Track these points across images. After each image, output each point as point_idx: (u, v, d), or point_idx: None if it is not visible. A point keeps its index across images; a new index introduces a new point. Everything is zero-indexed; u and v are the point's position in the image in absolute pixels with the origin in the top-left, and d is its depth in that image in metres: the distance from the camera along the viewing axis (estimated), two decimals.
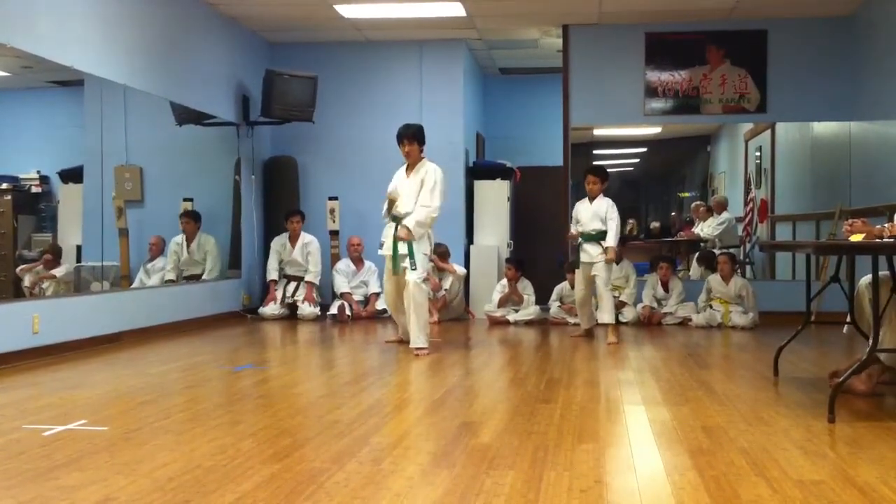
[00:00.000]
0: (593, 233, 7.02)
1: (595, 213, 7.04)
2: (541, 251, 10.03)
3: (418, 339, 6.19)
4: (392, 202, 6.31)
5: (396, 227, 6.31)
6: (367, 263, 9.09)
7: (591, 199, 7.12)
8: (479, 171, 9.86)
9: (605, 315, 6.95)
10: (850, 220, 4.44)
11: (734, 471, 3.07)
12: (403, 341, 6.61)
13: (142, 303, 7.30)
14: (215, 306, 8.46)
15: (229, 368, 5.67)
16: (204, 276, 8.42)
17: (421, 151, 6.47)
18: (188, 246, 8.32)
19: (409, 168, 6.46)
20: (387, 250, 6.43)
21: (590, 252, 7.04)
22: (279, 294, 8.95)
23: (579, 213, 7.21)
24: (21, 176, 6.48)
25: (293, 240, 9.09)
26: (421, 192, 6.29)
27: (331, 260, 9.34)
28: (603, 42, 9.05)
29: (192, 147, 8.46)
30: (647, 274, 8.70)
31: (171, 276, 8.07)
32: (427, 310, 6.46)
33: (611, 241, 6.92)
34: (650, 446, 3.48)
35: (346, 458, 3.23)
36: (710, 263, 8.81)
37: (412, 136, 6.39)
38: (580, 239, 7.13)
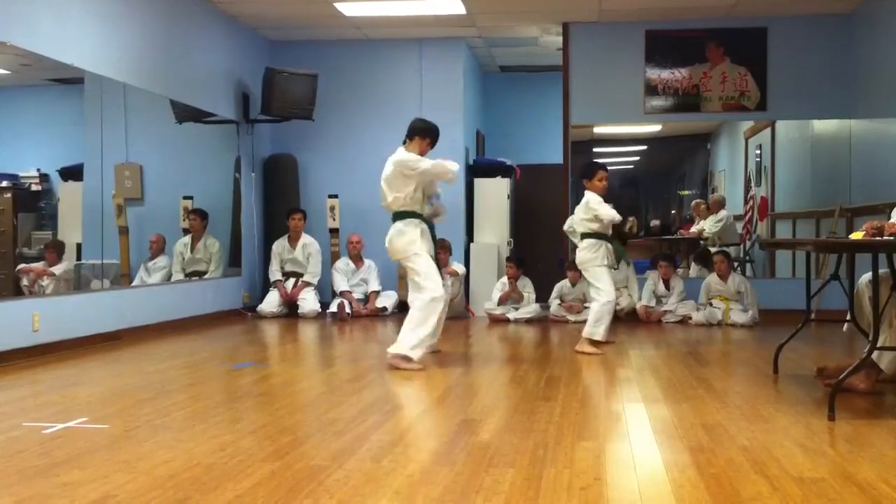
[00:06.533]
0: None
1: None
2: (541, 249, 10.04)
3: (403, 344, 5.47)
4: None
5: (431, 228, 5.77)
6: (367, 261, 9.10)
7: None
8: (479, 169, 9.86)
9: (588, 327, 6.22)
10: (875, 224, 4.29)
11: (734, 468, 3.07)
12: (436, 351, 5.99)
13: (142, 301, 7.30)
14: (215, 304, 8.46)
15: (229, 366, 5.67)
16: (205, 278, 8.42)
17: None
18: (193, 246, 8.33)
19: None
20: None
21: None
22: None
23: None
24: (21, 174, 6.47)
25: (294, 239, 9.09)
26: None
27: (331, 258, 9.35)
28: (603, 40, 9.05)
29: (192, 145, 8.47)
30: (648, 271, 8.71)
31: (178, 276, 8.08)
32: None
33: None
34: (650, 444, 3.48)
35: (346, 456, 3.23)
36: (706, 262, 8.82)
37: None
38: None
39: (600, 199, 6.24)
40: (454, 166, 5.72)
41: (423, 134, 5.76)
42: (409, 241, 5.58)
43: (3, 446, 3.44)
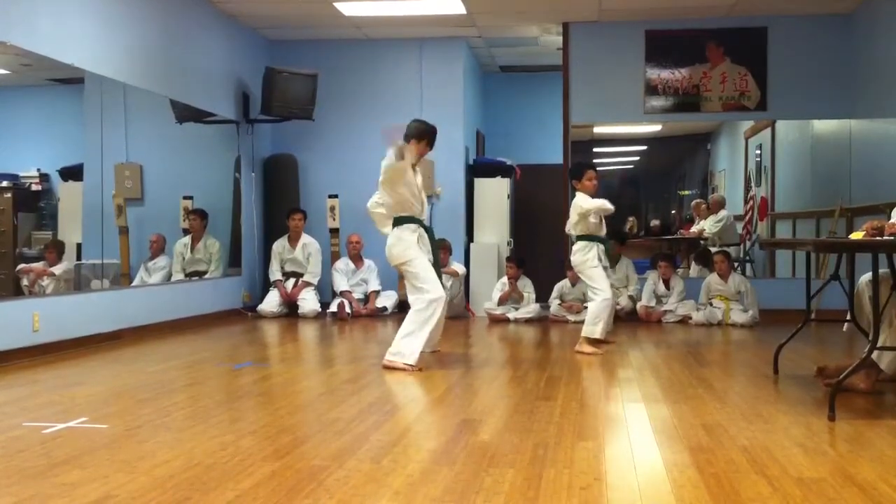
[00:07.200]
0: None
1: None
2: (541, 249, 10.04)
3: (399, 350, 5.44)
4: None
5: (429, 232, 5.74)
6: (367, 261, 9.10)
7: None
8: (479, 168, 9.86)
9: (586, 326, 6.20)
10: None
11: (734, 468, 3.07)
12: (435, 351, 6.01)
13: (142, 301, 7.30)
14: (215, 304, 8.46)
15: (229, 366, 5.67)
16: (205, 278, 8.42)
17: None
18: (193, 246, 8.33)
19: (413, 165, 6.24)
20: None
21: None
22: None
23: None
24: (21, 174, 6.47)
25: (294, 240, 9.10)
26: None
27: (331, 258, 9.35)
28: (603, 40, 9.05)
29: (192, 145, 8.47)
30: (648, 271, 8.71)
31: (178, 276, 8.08)
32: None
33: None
34: (650, 444, 3.48)
35: (346, 456, 3.23)
36: (706, 262, 8.82)
37: None
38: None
39: (588, 198, 6.13)
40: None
41: (419, 136, 5.58)
42: (407, 247, 5.54)
43: (3, 446, 3.44)
